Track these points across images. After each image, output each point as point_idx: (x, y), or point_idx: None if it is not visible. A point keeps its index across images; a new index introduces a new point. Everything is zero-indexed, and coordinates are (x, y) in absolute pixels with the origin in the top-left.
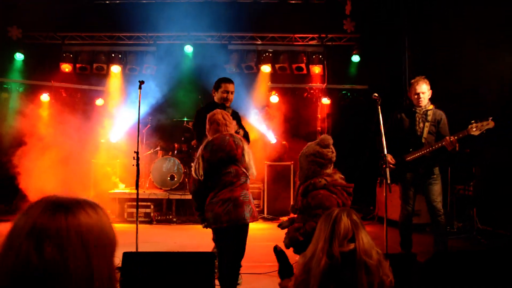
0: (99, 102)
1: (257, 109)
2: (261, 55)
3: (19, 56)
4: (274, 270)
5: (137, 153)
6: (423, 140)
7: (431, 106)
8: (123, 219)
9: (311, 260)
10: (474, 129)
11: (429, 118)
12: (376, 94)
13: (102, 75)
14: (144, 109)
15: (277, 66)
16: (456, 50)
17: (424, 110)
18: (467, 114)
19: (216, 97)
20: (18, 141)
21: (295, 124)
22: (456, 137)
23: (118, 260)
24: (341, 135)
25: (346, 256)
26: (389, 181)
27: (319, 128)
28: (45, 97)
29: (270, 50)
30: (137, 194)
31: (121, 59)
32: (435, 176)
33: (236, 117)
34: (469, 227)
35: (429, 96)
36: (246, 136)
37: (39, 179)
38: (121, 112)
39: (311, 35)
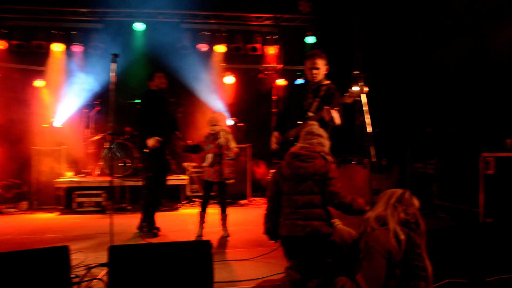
0: (39, 83)
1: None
2: (215, 34)
3: None
4: (258, 255)
5: (112, 135)
6: (309, 114)
7: (326, 82)
8: (72, 210)
9: (384, 213)
10: (348, 98)
11: (321, 94)
12: (357, 72)
13: (42, 54)
14: (92, 91)
15: (231, 46)
16: (405, 34)
17: (317, 85)
18: (416, 94)
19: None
20: None
21: (250, 105)
22: (331, 106)
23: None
24: None
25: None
26: (374, 159)
27: (275, 110)
28: None
29: (225, 30)
30: (111, 181)
31: (64, 36)
32: None
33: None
34: (428, 203)
35: (325, 72)
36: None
37: None
38: (65, 94)
39: (266, 15)
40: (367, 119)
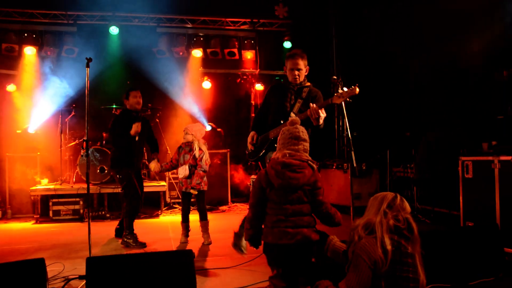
0: (10, 88)
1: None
2: (192, 39)
3: None
4: (241, 263)
5: (87, 141)
6: (292, 115)
7: (308, 84)
8: (48, 218)
9: (373, 221)
10: (337, 98)
11: (304, 95)
12: (335, 77)
13: (13, 57)
14: (67, 96)
15: (208, 50)
16: (382, 38)
17: (298, 87)
18: (391, 101)
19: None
20: None
21: (229, 110)
22: (318, 105)
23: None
24: None
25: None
26: (355, 164)
27: (253, 115)
28: None
29: (201, 34)
30: (88, 189)
31: (36, 39)
32: None
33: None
34: None
35: (306, 73)
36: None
37: None
38: (39, 99)
39: (243, 20)
40: (346, 123)
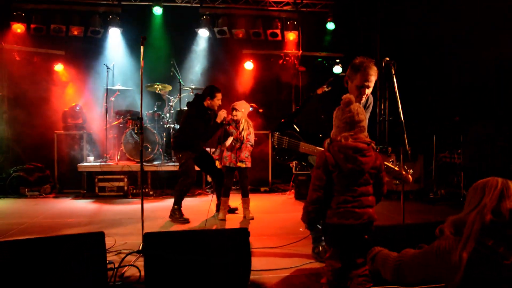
0: (58, 67)
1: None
2: (235, 19)
3: None
4: (288, 243)
5: (141, 119)
6: None
7: None
8: (94, 193)
9: (466, 218)
10: (393, 170)
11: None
12: (387, 58)
13: (61, 38)
14: (111, 75)
15: (251, 31)
16: (430, 19)
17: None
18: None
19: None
20: None
21: (270, 92)
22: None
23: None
24: None
25: None
26: (408, 147)
27: (294, 96)
28: None
29: (244, 15)
30: (141, 166)
31: (82, 20)
32: None
33: None
34: (453, 193)
35: None
36: None
37: None
38: (84, 78)
39: (286, 0)
40: (399, 106)
